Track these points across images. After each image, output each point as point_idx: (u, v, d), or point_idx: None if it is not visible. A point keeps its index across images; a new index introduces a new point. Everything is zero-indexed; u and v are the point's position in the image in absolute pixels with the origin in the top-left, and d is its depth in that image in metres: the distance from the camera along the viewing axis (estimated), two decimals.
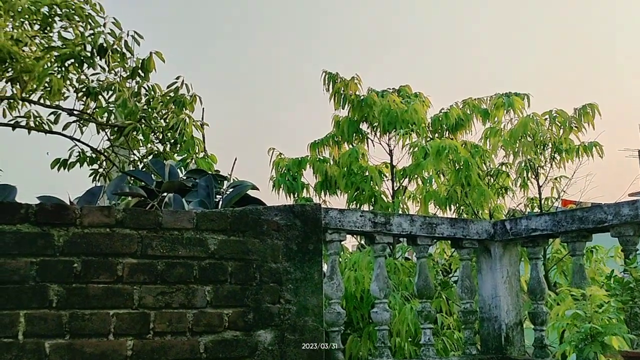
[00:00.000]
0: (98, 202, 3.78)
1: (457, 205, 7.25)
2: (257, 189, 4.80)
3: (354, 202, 7.56)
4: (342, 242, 4.26)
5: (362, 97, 7.75)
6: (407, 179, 7.92)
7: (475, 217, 7.13)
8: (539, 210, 7.36)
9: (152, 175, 4.89)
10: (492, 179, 7.55)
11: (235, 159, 5.89)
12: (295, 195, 7.72)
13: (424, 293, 4.45)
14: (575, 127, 7.27)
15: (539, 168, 7.16)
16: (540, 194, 7.34)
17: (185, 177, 5.00)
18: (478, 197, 6.86)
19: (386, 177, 8.04)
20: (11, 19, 7.65)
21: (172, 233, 3.04)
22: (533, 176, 7.21)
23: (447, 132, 8.19)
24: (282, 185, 7.58)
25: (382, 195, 7.63)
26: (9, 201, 2.81)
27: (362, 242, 7.43)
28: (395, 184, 7.98)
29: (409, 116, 7.49)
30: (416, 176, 7.59)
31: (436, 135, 8.04)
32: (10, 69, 7.62)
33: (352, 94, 7.79)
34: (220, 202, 4.58)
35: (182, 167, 7.24)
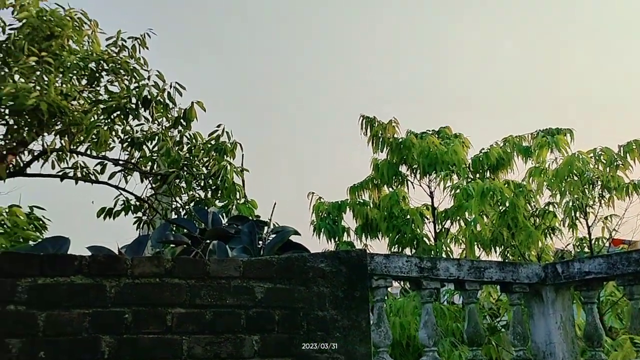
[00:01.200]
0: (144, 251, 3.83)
1: (503, 247, 7.08)
2: (299, 234, 4.79)
3: (396, 245, 7.46)
4: (388, 288, 4.19)
5: (400, 140, 7.76)
6: (449, 221, 7.80)
7: (522, 259, 6.93)
8: (589, 251, 7.11)
9: (195, 223, 4.97)
10: (538, 219, 7.36)
11: (275, 204, 5.91)
12: (336, 239, 7.68)
13: (474, 340, 4.30)
14: (622, 164, 7.07)
15: (587, 207, 6.95)
16: (589, 234, 7.10)
17: (227, 224, 5.05)
18: (525, 239, 6.69)
19: (427, 219, 7.94)
20: (61, 75, 8.02)
21: (220, 282, 3.04)
22: (582, 216, 6.99)
23: (488, 172, 8.08)
24: (322, 230, 7.56)
25: (425, 238, 7.52)
26: (62, 253, 2.87)
27: (406, 285, 7.30)
28: (437, 226, 7.86)
29: (449, 157, 7.44)
30: (458, 218, 7.47)
31: (477, 175, 7.94)
32: (59, 122, 7.95)
33: (390, 137, 7.81)
34: (263, 249, 4.59)
35: (224, 213, 7.32)
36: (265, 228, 5.13)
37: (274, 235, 4.70)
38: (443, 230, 7.93)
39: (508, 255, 7.19)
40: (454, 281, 4.28)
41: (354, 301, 3.34)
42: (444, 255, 7.31)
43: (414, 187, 8.09)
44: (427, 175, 7.83)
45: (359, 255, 3.52)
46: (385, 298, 4.49)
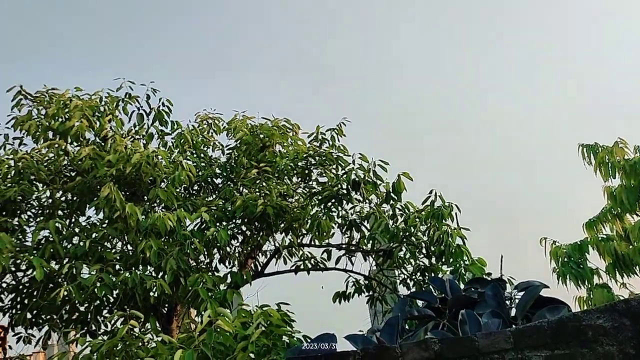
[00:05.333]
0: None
1: None
2: (548, 287, 4.41)
3: None
4: None
5: (634, 160, 6.88)
6: None
7: None
8: None
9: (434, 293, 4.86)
10: None
11: (502, 257, 5.57)
12: (586, 283, 6.92)
13: None
14: None
15: None
16: None
17: (465, 289, 4.85)
18: None
19: None
20: (276, 179, 8.85)
21: (493, 357, 2.87)
22: None
23: None
24: (568, 276, 6.89)
25: None
26: (337, 351, 2.97)
27: None
28: None
29: None
30: None
31: None
32: (282, 221, 8.69)
33: (620, 159, 7.00)
34: (514, 309, 4.29)
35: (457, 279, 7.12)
36: (507, 286, 4.82)
37: (521, 294, 4.39)
38: None
39: None
40: None
41: None
42: None
43: None
44: None
45: None
46: None
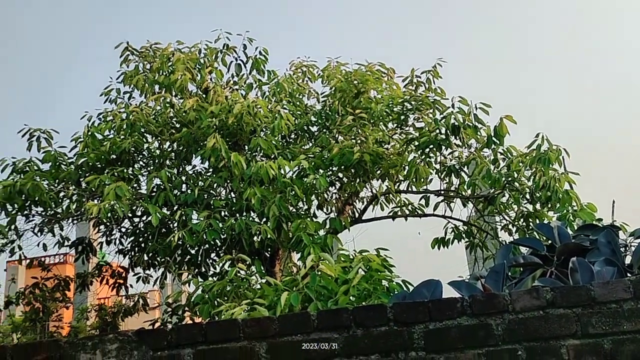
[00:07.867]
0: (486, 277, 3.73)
1: None
2: None
3: None
4: None
5: None
6: None
7: None
8: None
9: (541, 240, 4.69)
10: None
11: (614, 202, 5.23)
12: None
13: None
14: None
15: None
16: None
17: (575, 235, 4.64)
18: None
19: None
20: (372, 125, 8.76)
21: (610, 306, 2.73)
22: None
23: None
24: None
25: None
26: (444, 298, 2.96)
27: None
28: None
29: None
30: None
31: None
32: (379, 168, 8.65)
33: None
34: (629, 257, 4.06)
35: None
36: (620, 233, 4.56)
37: (637, 241, 4.15)
38: None
39: None
40: None
41: None
42: None
43: None
44: None
45: None
46: None
